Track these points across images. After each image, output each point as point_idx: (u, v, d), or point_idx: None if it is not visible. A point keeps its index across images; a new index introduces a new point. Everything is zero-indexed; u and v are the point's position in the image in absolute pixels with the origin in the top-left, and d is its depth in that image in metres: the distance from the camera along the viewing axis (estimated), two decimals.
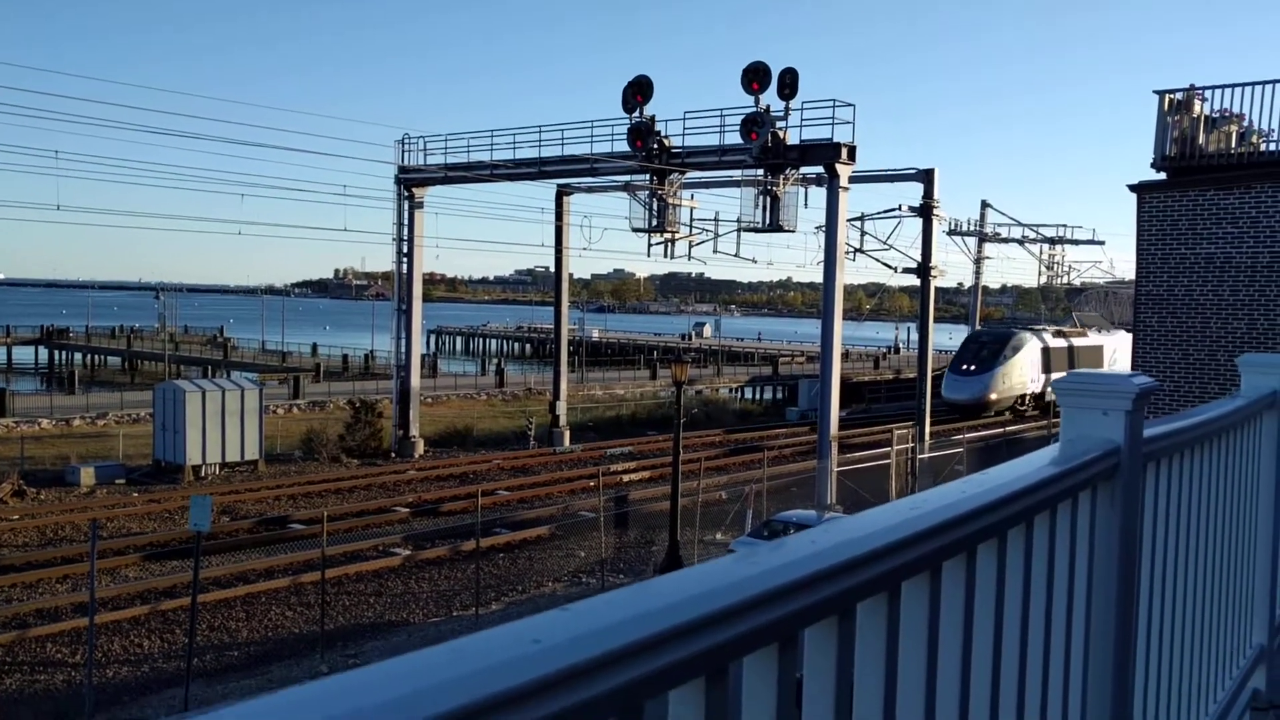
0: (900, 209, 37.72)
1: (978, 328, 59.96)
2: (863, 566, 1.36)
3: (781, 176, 32.13)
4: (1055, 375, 39.73)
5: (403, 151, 38.71)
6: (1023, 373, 50.83)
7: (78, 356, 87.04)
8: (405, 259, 39.30)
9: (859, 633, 1.44)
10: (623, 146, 33.82)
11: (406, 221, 39.02)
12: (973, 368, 50.13)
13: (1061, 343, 54.17)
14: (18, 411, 44.29)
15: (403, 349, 39.82)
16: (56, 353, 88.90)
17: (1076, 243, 56.72)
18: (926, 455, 32.61)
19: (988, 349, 51.16)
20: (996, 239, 56.12)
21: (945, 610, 1.69)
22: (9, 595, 20.76)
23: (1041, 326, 56.53)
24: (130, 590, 21.13)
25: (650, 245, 36.17)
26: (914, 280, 38.00)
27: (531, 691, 0.86)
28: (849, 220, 34.11)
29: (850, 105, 31.12)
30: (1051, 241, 56.65)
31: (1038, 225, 57.34)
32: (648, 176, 34.62)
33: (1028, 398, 51.92)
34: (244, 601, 20.95)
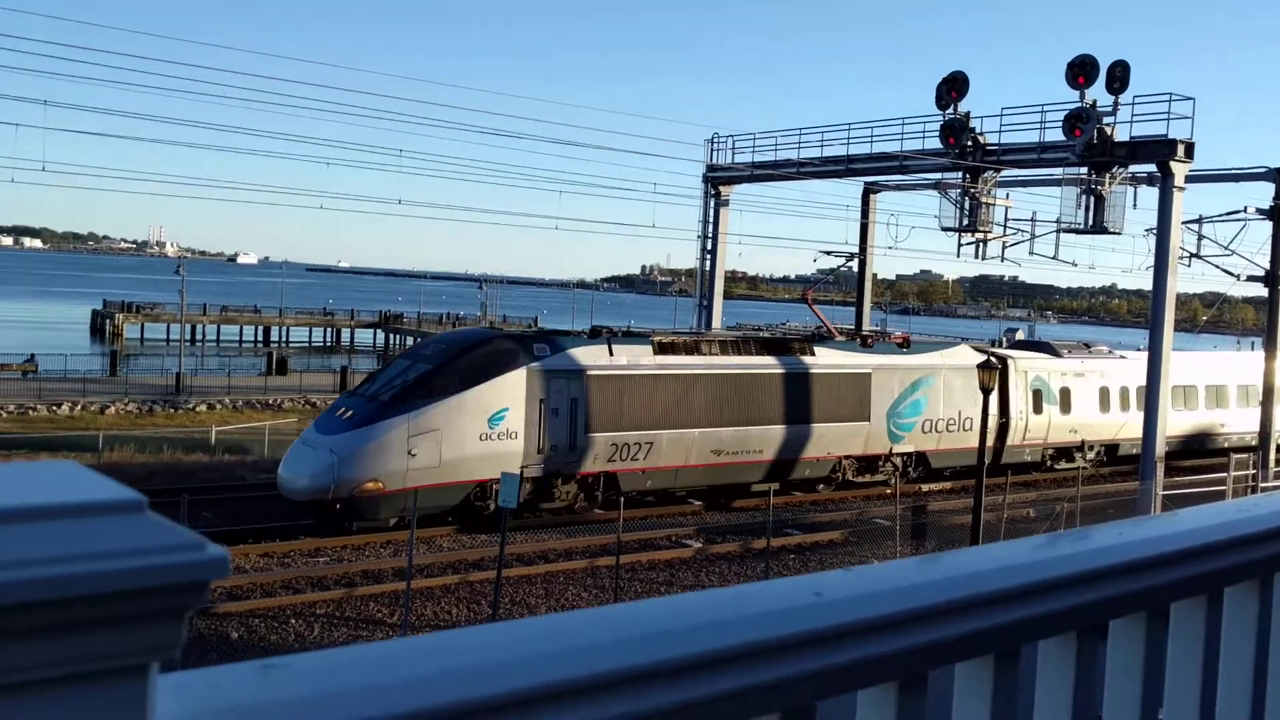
0: (1245, 211, 34.44)
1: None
2: (1174, 564, 1.26)
3: (1108, 175, 30.11)
4: (601, 434, 26.16)
5: (711, 150, 39.43)
6: (485, 424, 23.87)
7: (409, 340, 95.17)
8: (709, 256, 40.01)
9: (1172, 634, 1.33)
10: (934, 144, 32.91)
11: (712, 219, 39.71)
12: (349, 413, 23.65)
13: (639, 364, 26.41)
14: None
15: None
16: (391, 336, 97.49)
17: None
18: (1272, 483, 29.58)
19: (414, 370, 24.45)
20: None
21: (1278, 627, 1.53)
22: (340, 556, 22.87)
23: (610, 329, 28.26)
24: (443, 559, 22.71)
25: (960, 245, 34.91)
26: (1260, 290, 34.52)
27: (809, 641, 0.86)
28: (1184, 222, 31.46)
29: (1189, 99, 28.72)
30: None
31: None
32: (960, 174, 33.48)
33: (490, 487, 23.81)
34: (544, 579, 22.02)
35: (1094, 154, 29.55)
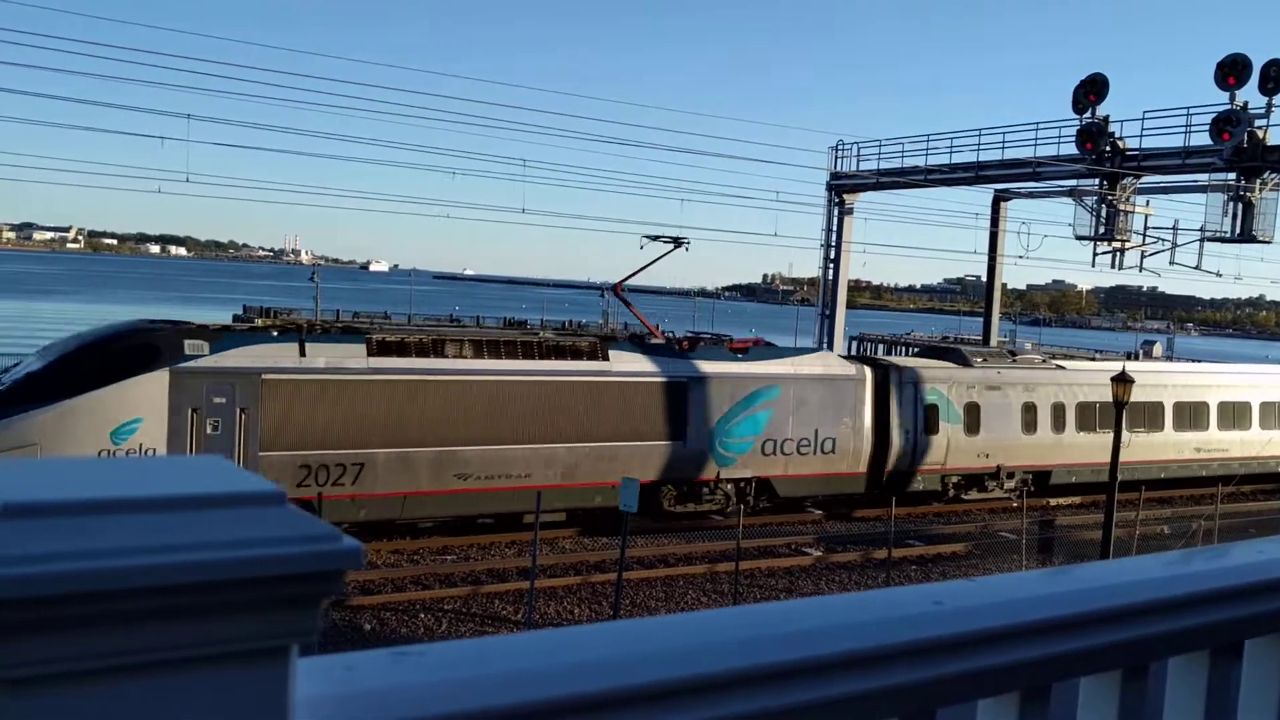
0: None
1: None
2: None
3: (1258, 181, 28.79)
4: (283, 453, 20.68)
5: (836, 157, 39.01)
6: (107, 439, 19.44)
7: None
8: (832, 265, 39.59)
9: None
10: (1069, 149, 31.97)
11: (835, 227, 39.28)
12: None
13: (343, 367, 21.60)
14: None
15: None
16: None
17: None
18: None
19: (25, 370, 20.60)
20: None
21: None
22: (466, 554, 23.37)
23: (309, 324, 24.94)
24: (565, 560, 23.01)
25: (1095, 255, 33.78)
26: None
27: (928, 649, 0.86)
28: None
29: None
30: None
31: None
32: (1096, 181, 32.42)
33: None
34: (663, 582, 22.12)
35: (1243, 159, 28.31)
